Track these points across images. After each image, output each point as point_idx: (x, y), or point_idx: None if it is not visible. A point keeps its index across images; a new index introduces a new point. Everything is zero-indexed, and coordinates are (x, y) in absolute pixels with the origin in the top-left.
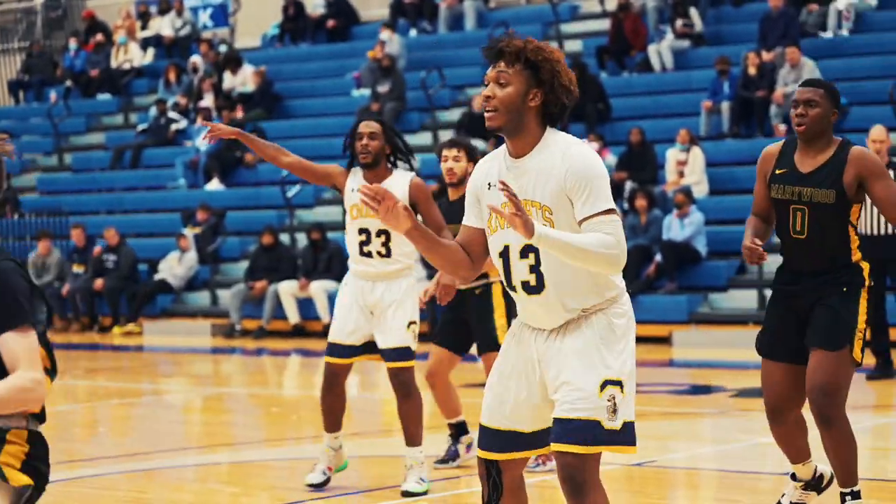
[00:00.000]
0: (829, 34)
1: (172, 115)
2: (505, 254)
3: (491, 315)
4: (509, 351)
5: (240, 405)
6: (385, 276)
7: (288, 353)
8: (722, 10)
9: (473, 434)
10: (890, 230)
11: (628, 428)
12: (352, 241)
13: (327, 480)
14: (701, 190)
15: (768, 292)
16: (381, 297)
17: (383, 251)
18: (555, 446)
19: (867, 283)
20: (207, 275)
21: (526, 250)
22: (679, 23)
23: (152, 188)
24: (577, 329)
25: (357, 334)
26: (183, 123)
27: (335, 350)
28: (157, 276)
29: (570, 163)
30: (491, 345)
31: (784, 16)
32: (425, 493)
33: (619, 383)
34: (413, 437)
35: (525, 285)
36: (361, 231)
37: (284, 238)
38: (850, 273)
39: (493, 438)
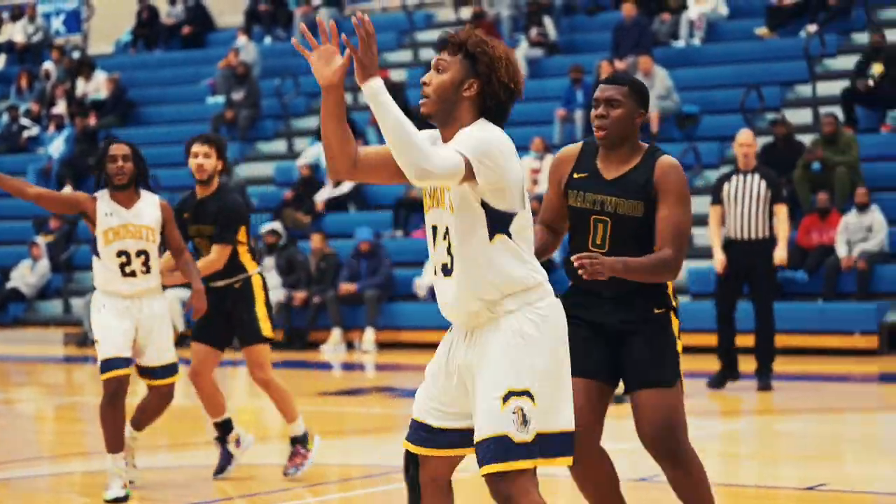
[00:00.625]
0: (681, 43)
1: (24, 121)
2: (433, 234)
3: (252, 306)
4: (440, 351)
5: (92, 414)
6: (148, 292)
7: None
8: (575, 20)
9: (239, 431)
10: (757, 235)
11: (549, 438)
12: (109, 264)
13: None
14: None
15: None
16: (147, 313)
17: (144, 269)
18: (480, 470)
19: (674, 303)
20: (60, 283)
21: (447, 232)
22: (533, 32)
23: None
24: (490, 336)
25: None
26: (35, 130)
27: (119, 363)
28: (9, 285)
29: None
30: (255, 336)
31: (637, 25)
32: (127, 497)
33: (525, 393)
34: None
35: (443, 268)
36: (120, 253)
37: None
38: (658, 295)
39: (414, 430)
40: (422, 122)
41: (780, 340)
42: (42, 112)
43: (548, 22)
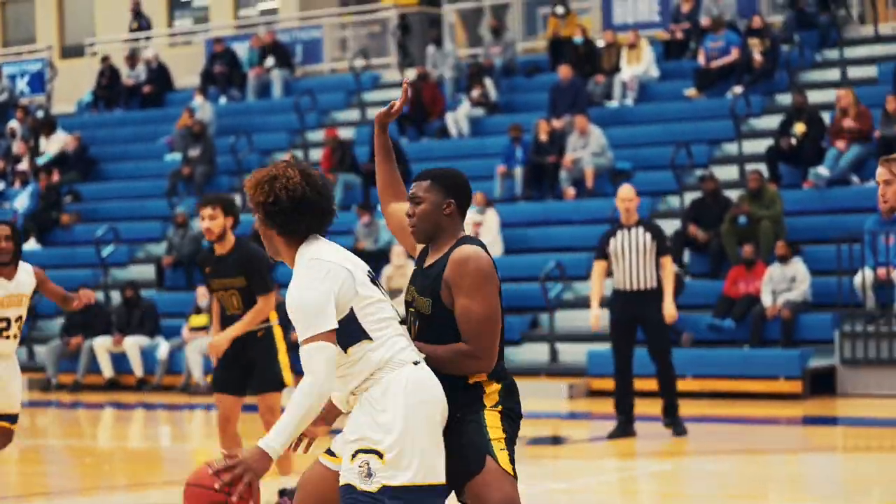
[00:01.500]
0: (614, 103)
1: None
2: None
3: (275, 355)
4: None
5: (55, 456)
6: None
7: (102, 406)
8: (514, 81)
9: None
10: (644, 286)
11: (394, 490)
12: None
13: None
14: (496, 250)
15: (560, 346)
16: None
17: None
18: None
19: (492, 403)
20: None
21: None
22: (475, 92)
23: None
24: (353, 413)
25: None
26: (0, 185)
27: None
28: None
29: None
30: (275, 384)
31: (573, 86)
32: None
33: (373, 451)
34: None
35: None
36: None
37: (99, 295)
38: (469, 397)
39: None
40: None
41: (708, 385)
42: (7, 168)
43: (488, 83)
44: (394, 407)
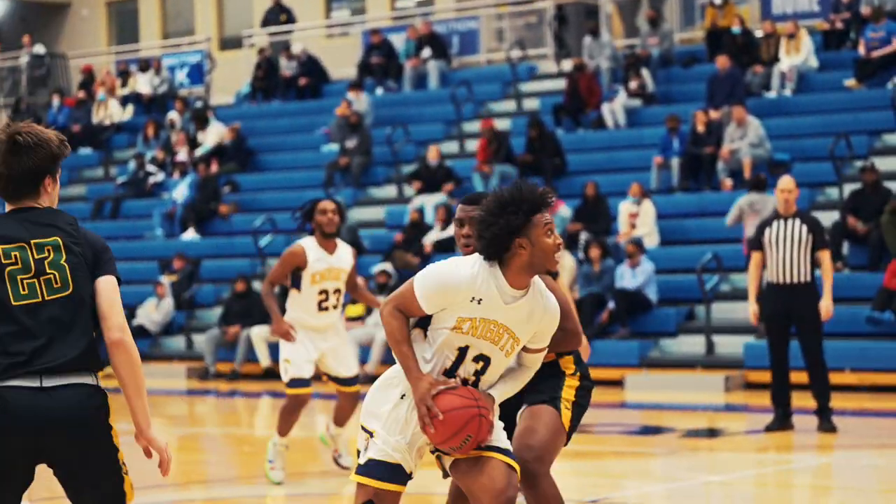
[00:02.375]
0: (773, 94)
1: (150, 168)
2: (463, 352)
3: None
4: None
5: (214, 444)
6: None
7: (259, 395)
8: (672, 71)
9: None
10: (798, 279)
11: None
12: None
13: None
14: (652, 241)
15: (716, 338)
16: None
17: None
18: None
19: (570, 372)
20: (183, 320)
21: (478, 358)
22: (632, 83)
23: (131, 238)
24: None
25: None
26: (160, 176)
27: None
28: (135, 322)
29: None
30: None
31: (730, 76)
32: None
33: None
34: None
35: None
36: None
37: (256, 285)
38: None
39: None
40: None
41: (867, 378)
42: (166, 159)
43: (645, 73)
44: None
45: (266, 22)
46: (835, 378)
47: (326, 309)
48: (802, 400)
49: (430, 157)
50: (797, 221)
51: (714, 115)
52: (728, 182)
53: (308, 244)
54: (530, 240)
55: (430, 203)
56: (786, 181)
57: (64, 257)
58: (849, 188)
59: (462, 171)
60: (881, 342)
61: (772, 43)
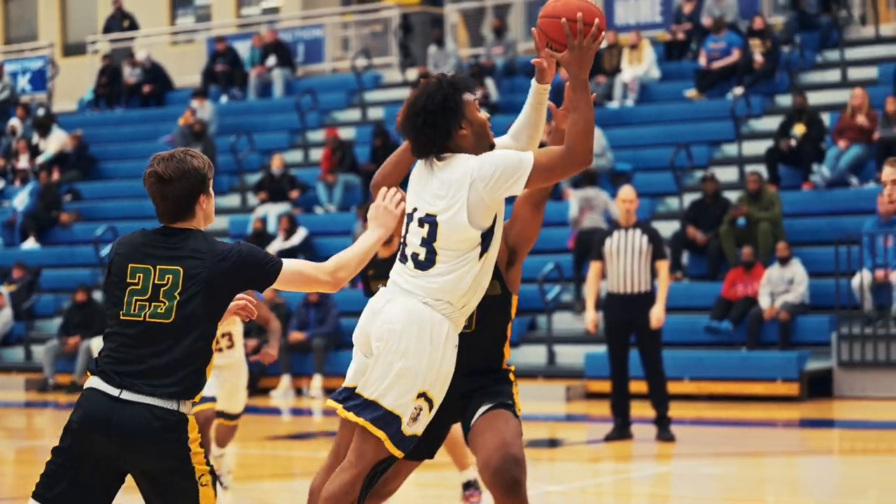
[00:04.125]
0: (615, 104)
1: None
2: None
3: None
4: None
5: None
6: None
7: None
8: (516, 81)
9: None
10: (638, 289)
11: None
12: None
13: None
14: None
15: (557, 348)
16: None
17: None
18: None
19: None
20: (22, 331)
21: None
22: (476, 92)
23: None
24: None
25: None
26: (0, 184)
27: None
28: None
29: None
30: None
31: None
32: None
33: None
34: None
35: None
36: None
37: (97, 296)
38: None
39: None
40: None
41: (706, 387)
42: (7, 167)
43: (490, 83)
44: None
45: (108, 28)
46: (674, 387)
47: (220, 350)
48: (642, 409)
49: (274, 166)
50: (637, 232)
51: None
52: (570, 191)
53: None
54: (469, 119)
55: (273, 212)
56: (626, 191)
57: (179, 289)
58: (689, 198)
59: (306, 180)
60: (719, 351)
61: (614, 53)
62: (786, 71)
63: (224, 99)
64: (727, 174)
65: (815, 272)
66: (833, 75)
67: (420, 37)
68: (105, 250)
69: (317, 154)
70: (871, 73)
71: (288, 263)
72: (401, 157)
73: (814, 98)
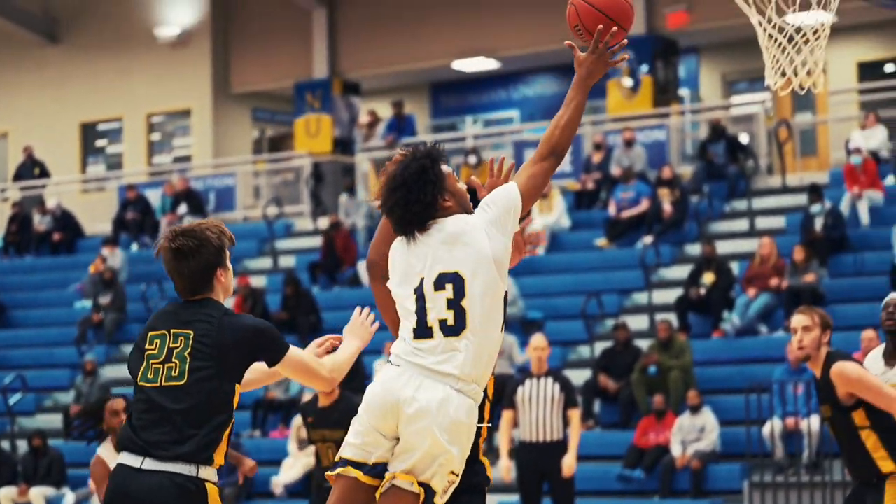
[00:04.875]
0: (526, 253)
1: None
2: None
3: None
4: None
5: None
6: None
7: None
8: None
9: None
10: (551, 438)
11: None
12: None
13: None
14: None
15: None
16: None
17: None
18: None
19: None
20: None
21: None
22: None
23: None
24: None
25: None
26: None
27: None
28: None
29: None
30: None
31: None
32: None
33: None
34: None
35: None
36: None
37: (5, 444)
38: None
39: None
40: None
41: None
42: None
43: None
44: None
45: (19, 176)
46: None
47: None
48: None
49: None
50: (549, 380)
51: None
52: None
53: (106, 454)
54: (450, 190)
55: None
56: (538, 339)
57: (189, 349)
58: (600, 347)
59: None
60: (632, 500)
61: None
62: (694, 220)
63: (135, 247)
64: (638, 322)
65: (727, 420)
66: (741, 224)
67: (331, 185)
68: (14, 399)
69: (228, 302)
70: (778, 222)
71: (296, 349)
72: (388, 231)
73: (722, 247)
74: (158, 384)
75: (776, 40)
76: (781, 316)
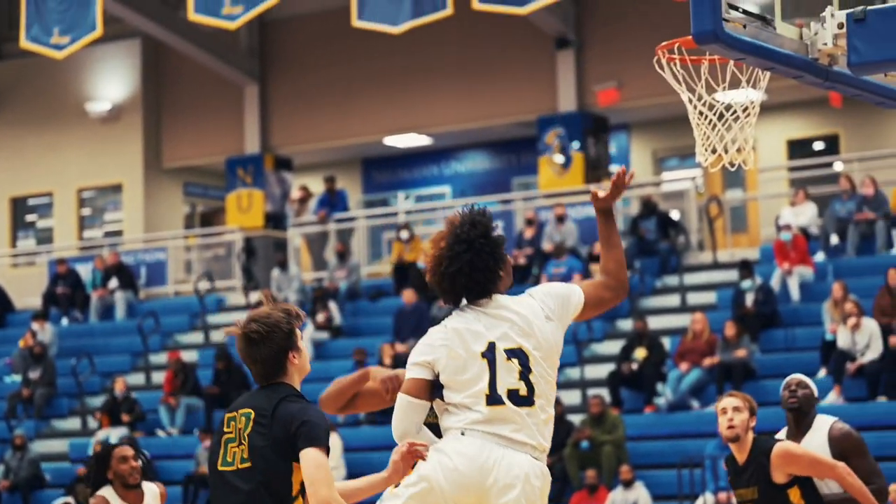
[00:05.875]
0: None
1: None
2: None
3: None
4: None
5: None
6: None
7: None
8: (359, 305)
9: None
10: None
11: None
12: None
13: None
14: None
15: None
16: None
17: None
18: None
19: None
20: None
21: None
22: (319, 316)
23: None
24: None
25: None
26: None
27: None
28: None
29: None
30: None
31: (417, 310)
32: None
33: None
34: None
35: None
36: None
37: None
38: None
39: None
40: None
41: None
42: None
43: (333, 306)
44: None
45: None
46: None
47: None
48: None
49: (116, 389)
50: None
51: (400, 348)
52: None
53: (108, 494)
54: (505, 264)
55: (114, 435)
56: None
57: (249, 430)
58: None
59: (148, 403)
60: None
61: None
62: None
63: (65, 321)
64: (570, 397)
65: (659, 495)
66: (673, 300)
67: (263, 260)
68: None
69: (159, 377)
70: (709, 297)
71: (322, 456)
72: (350, 386)
73: (654, 322)
74: (235, 467)
75: (706, 117)
76: (713, 391)
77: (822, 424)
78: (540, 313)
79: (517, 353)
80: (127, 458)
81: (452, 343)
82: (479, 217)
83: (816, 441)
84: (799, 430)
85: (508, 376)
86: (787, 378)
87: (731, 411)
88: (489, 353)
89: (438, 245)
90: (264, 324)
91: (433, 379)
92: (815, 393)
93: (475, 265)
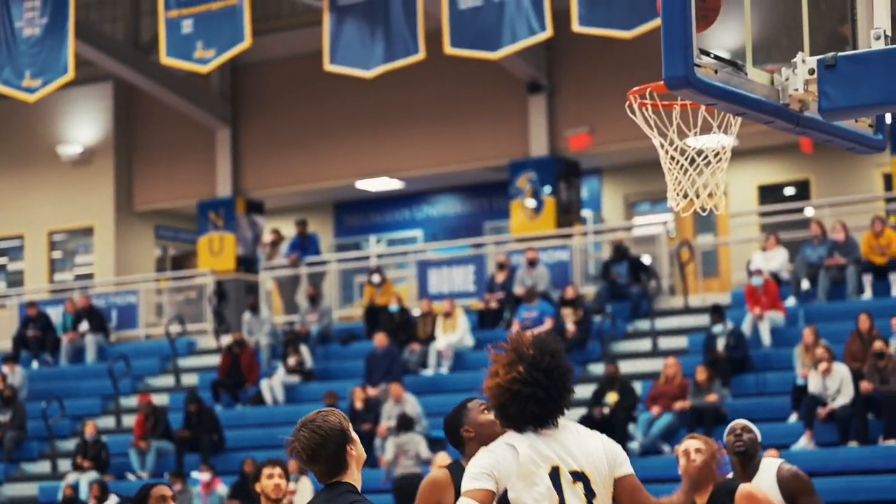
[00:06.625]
0: (430, 372)
1: None
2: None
3: None
4: None
5: None
6: None
7: None
8: (330, 348)
9: None
10: None
11: None
12: None
13: None
14: None
15: None
16: None
17: None
18: None
19: None
20: None
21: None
22: (291, 359)
23: None
24: None
25: None
26: None
27: None
28: None
29: None
30: None
31: (388, 354)
32: None
33: None
34: None
35: None
36: None
37: None
38: None
39: None
40: None
41: None
42: None
43: (304, 350)
44: None
45: None
46: None
47: None
48: None
49: (86, 432)
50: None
51: (372, 391)
52: (385, 458)
53: None
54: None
55: (84, 479)
56: (441, 458)
57: None
58: None
59: (118, 446)
60: None
61: (428, 321)
62: (598, 340)
63: (35, 364)
64: None
65: None
66: (644, 345)
67: (234, 303)
68: None
69: (129, 420)
70: (681, 342)
71: None
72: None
73: (625, 366)
74: None
75: (678, 162)
76: (684, 435)
77: (769, 466)
78: (604, 456)
79: (581, 477)
80: (166, 499)
81: (523, 460)
82: (555, 345)
83: (765, 483)
84: (745, 473)
85: (575, 497)
86: (732, 423)
87: (693, 452)
88: (554, 475)
89: (515, 369)
90: (320, 426)
91: (497, 492)
92: (759, 437)
93: (551, 394)
